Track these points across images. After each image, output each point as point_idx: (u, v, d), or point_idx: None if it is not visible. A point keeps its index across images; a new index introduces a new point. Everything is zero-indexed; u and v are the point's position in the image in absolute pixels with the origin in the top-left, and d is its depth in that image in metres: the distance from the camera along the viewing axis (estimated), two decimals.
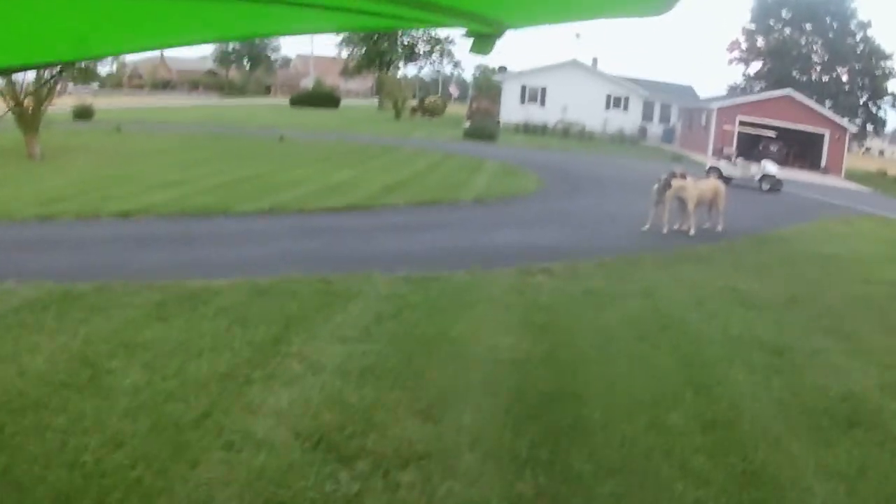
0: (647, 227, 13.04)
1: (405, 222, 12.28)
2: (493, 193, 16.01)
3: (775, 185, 23.97)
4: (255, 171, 17.20)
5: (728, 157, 25.18)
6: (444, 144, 29.69)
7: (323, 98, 56.63)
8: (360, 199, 13.81)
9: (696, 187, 13.18)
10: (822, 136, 40.53)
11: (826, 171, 39.16)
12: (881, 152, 77.13)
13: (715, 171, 24.78)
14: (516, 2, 1.80)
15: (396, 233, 11.33)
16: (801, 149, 39.15)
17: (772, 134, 29.00)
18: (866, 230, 16.94)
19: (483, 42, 1.91)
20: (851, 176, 40.04)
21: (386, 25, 2.03)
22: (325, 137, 28.70)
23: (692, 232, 13.01)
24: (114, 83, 76.36)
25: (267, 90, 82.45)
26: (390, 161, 21.74)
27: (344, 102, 60.87)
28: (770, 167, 24.26)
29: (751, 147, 29.24)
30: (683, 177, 13.18)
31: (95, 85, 72.02)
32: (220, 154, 20.82)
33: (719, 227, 13.67)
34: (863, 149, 69.79)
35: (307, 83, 70.52)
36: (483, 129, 33.96)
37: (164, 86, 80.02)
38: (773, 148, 30.12)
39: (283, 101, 59.17)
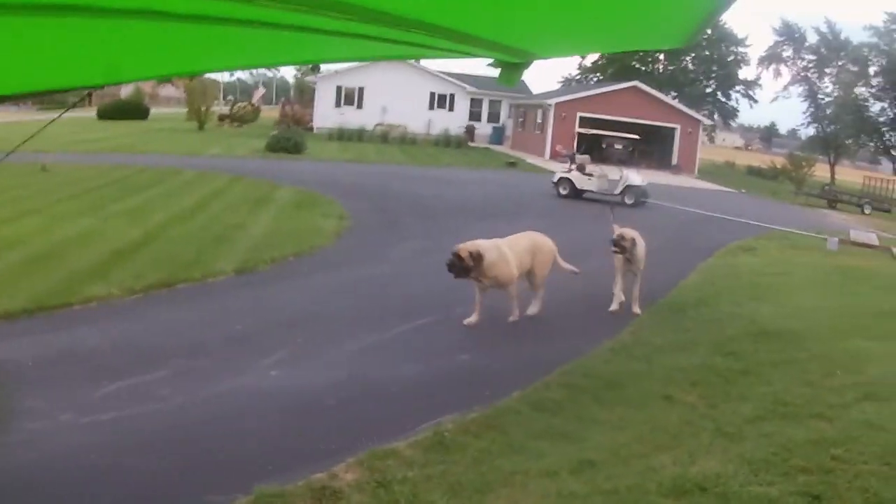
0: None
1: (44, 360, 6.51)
2: (268, 252, 10.56)
3: (640, 197, 20.06)
4: None
5: (581, 167, 20.86)
6: (240, 162, 24.03)
7: (131, 109, 50.80)
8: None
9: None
10: (672, 131, 37.48)
11: (678, 169, 36.11)
12: (711, 139, 76.20)
13: (566, 182, 20.65)
14: (542, 34, 1.84)
15: None
16: (648, 146, 34.94)
17: (635, 136, 25.43)
18: (781, 258, 13.53)
19: (510, 72, 1.98)
20: (701, 171, 37.55)
21: (415, 55, 2.29)
22: (102, 160, 22.09)
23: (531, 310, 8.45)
24: None
25: (87, 100, 73.27)
26: (152, 198, 15.65)
27: (162, 111, 53.71)
28: (633, 177, 20.40)
29: (592, 146, 25.33)
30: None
31: None
32: None
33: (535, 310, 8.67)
34: (709, 138, 68.00)
35: (128, 92, 62.99)
36: (287, 139, 28.61)
37: None
38: (619, 146, 26.48)
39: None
